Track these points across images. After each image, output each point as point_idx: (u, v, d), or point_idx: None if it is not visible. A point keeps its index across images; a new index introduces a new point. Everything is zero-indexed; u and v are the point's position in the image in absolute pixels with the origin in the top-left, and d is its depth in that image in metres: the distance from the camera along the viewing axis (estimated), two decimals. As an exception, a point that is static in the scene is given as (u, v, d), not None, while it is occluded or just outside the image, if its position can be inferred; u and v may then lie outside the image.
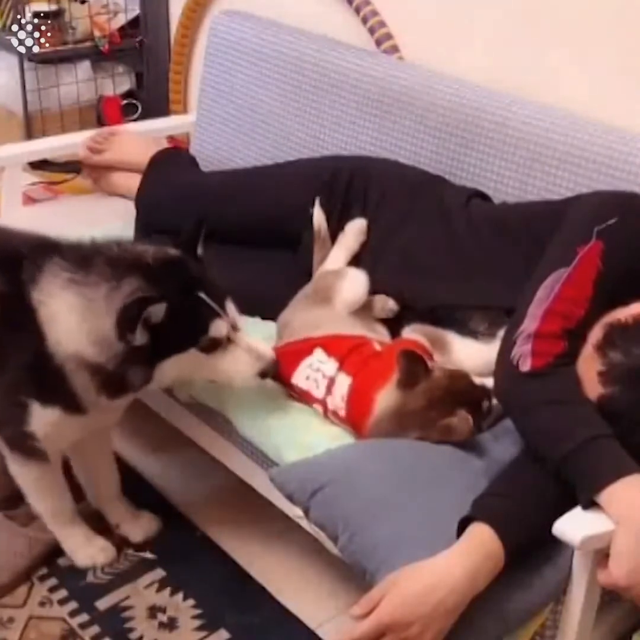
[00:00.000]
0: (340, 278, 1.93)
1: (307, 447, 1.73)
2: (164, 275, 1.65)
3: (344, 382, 1.74)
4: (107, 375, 1.67)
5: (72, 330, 1.66)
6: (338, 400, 1.74)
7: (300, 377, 1.81)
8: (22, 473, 1.90)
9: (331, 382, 1.76)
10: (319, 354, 1.80)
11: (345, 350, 1.78)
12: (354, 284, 1.91)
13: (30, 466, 1.88)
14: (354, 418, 1.72)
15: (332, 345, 1.81)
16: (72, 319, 1.66)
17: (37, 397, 1.75)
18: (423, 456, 1.62)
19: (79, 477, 2.09)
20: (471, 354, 1.79)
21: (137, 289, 1.62)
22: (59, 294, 1.68)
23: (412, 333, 1.84)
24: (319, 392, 1.77)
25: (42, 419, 1.77)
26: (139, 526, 2.10)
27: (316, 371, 1.79)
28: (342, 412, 1.74)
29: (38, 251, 1.74)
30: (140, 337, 1.59)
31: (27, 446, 1.83)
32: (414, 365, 1.65)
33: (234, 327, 1.71)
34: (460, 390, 1.64)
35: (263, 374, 1.73)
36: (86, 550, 2.02)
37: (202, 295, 1.66)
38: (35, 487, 1.93)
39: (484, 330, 1.82)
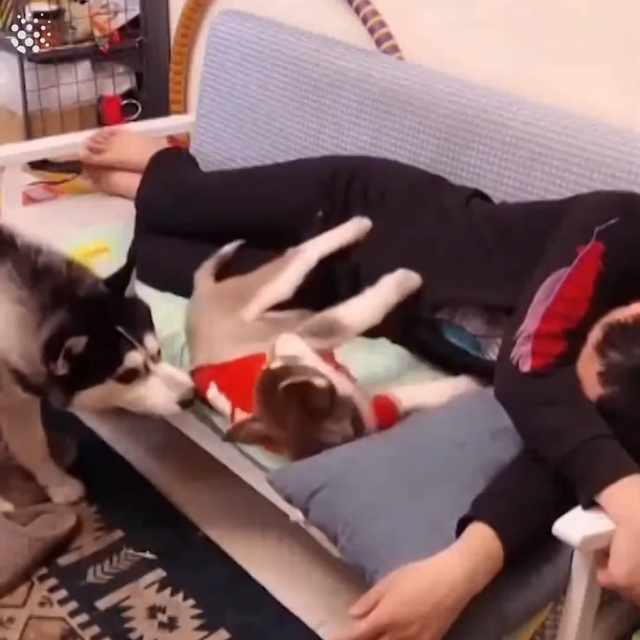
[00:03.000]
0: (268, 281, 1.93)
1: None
2: (89, 310, 1.75)
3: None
4: (30, 383, 1.79)
5: (6, 337, 1.76)
6: None
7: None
8: None
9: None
10: (213, 390, 1.82)
11: (236, 388, 1.79)
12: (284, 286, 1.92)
13: None
14: None
15: (223, 379, 1.82)
16: (8, 328, 1.76)
17: None
18: (423, 456, 1.62)
19: (8, 441, 2.20)
20: (356, 315, 1.82)
21: (63, 322, 1.72)
22: (2, 300, 1.76)
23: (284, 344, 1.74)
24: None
25: None
26: (63, 490, 2.19)
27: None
28: None
29: None
30: (61, 368, 1.70)
31: None
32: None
33: (153, 359, 1.80)
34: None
35: (183, 403, 1.82)
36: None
37: (120, 329, 1.75)
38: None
39: (484, 332, 1.82)
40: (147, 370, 1.79)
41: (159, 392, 1.80)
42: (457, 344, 1.86)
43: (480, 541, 1.40)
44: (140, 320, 1.81)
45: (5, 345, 1.76)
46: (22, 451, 2.20)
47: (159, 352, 1.82)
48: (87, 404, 1.82)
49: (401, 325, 1.93)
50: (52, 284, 1.77)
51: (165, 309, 2.08)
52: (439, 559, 1.40)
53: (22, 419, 2.15)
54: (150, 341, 1.80)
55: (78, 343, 1.68)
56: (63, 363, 1.69)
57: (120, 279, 1.82)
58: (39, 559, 2.02)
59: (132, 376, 1.78)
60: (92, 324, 1.72)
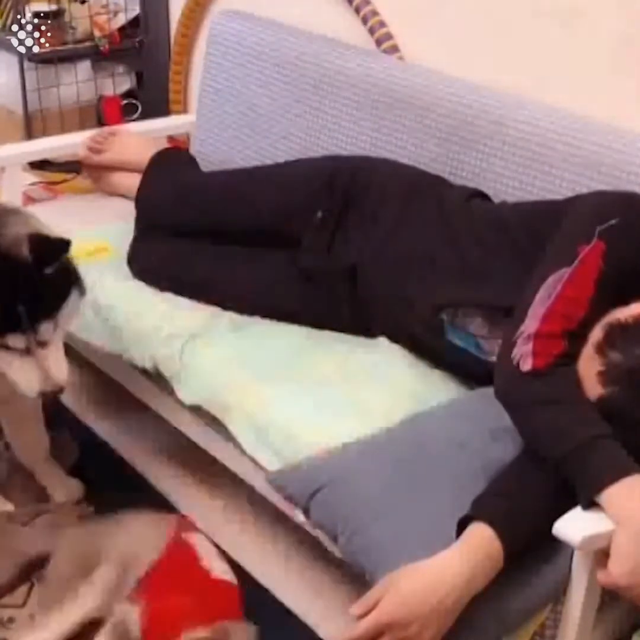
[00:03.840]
0: None
1: (300, 453, 1.73)
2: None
3: None
4: None
5: None
6: None
7: None
8: None
9: None
10: None
11: None
12: None
13: None
14: None
15: None
16: None
17: None
18: (422, 456, 1.62)
19: (10, 439, 2.18)
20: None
21: None
22: None
23: None
24: None
25: None
26: (64, 489, 2.18)
27: None
28: None
29: None
30: None
31: None
32: None
33: (41, 344, 1.74)
34: None
35: (43, 394, 1.77)
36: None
37: (20, 308, 1.68)
38: None
39: (486, 332, 1.82)
40: (27, 351, 1.73)
41: (28, 377, 1.76)
42: (458, 345, 1.86)
43: (480, 541, 1.41)
44: (48, 302, 1.74)
45: None
46: (23, 450, 2.20)
47: (48, 342, 1.76)
48: None
49: (402, 326, 1.93)
50: None
51: (165, 309, 2.09)
52: (439, 559, 1.40)
53: (23, 418, 2.14)
54: (46, 329, 1.73)
55: None
56: None
57: (48, 255, 1.74)
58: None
59: (8, 349, 1.73)
60: None
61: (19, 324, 1.69)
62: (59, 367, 1.78)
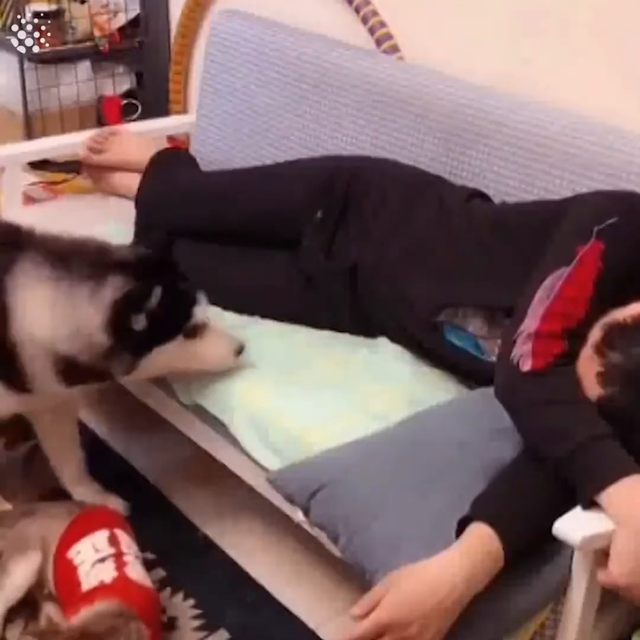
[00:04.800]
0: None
1: (302, 453, 1.73)
2: (147, 270, 1.75)
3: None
4: (71, 366, 1.74)
5: (42, 321, 1.72)
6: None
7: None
8: None
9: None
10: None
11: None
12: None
13: None
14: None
15: None
16: (53, 313, 1.71)
17: None
18: (422, 456, 1.62)
19: (50, 459, 2.14)
20: None
21: (124, 284, 1.70)
22: (32, 285, 1.73)
23: None
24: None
25: None
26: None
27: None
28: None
29: (13, 240, 1.81)
30: (139, 324, 1.70)
31: None
32: None
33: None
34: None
35: (237, 352, 1.86)
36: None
37: (183, 286, 1.79)
38: None
39: (485, 333, 1.82)
40: (204, 326, 1.82)
41: (220, 346, 1.85)
42: (457, 345, 1.86)
43: (480, 541, 1.41)
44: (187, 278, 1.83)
45: (49, 333, 1.71)
46: (62, 468, 2.14)
47: None
48: (149, 369, 1.81)
49: (402, 326, 1.93)
50: (88, 257, 1.75)
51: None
52: (439, 559, 1.40)
53: (59, 434, 2.11)
54: (202, 298, 1.82)
55: (155, 295, 1.68)
56: (141, 318, 1.68)
57: (165, 242, 1.84)
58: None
59: (195, 332, 1.80)
60: (158, 280, 1.72)
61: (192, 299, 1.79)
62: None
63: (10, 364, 1.75)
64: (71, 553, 1.81)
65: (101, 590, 1.74)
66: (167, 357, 1.79)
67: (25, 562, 1.84)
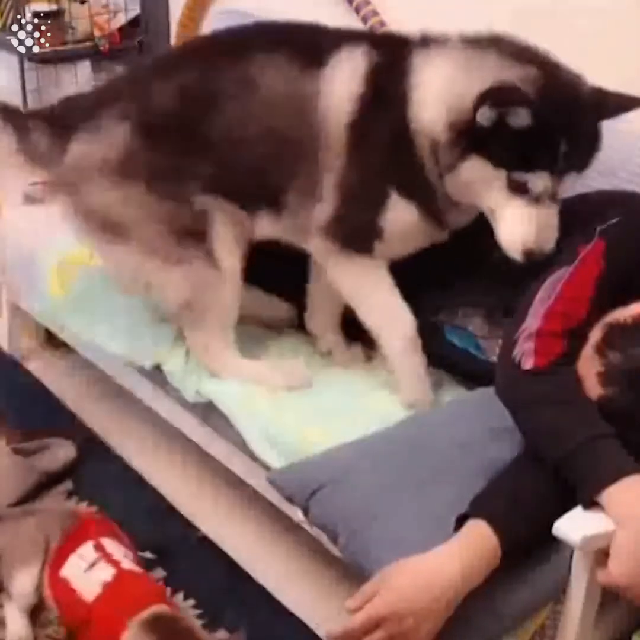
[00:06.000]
0: None
1: (303, 452, 1.74)
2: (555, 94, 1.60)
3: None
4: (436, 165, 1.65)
5: (432, 99, 1.65)
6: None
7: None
8: (346, 272, 1.83)
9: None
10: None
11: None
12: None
13: (359, 264, 1.81)
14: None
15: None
16: (435, 86, 1.66)
17: (398, 187, 1.70)
18: (422, 456, 1.62)
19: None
20: None
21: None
22: (434, 60, 1.70)
23: None
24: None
25: (398, 213, 1.71)
26: (348, 354, 2.01)
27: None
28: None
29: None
30: (485, 119, 1.56)
31: (365, 241, 1.77)
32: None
33: (554, 198, 1.63)
34: None
35: (527, 254, 1.64)
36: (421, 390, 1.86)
37: (562, 148, 1.57)
38: (357, 291, 1.84)
39: (485, 332, 1.82)
40: (537, 200, 1.62)
41: (521, 225, 1.63)
42: (457, 345, 1.86)
43: (477, 538, 1.41)
44: (585, 154, 1.65)
45: (431, 116, 1.64)
46: (316, 312, 2.02)
47: None
48: (457, 181, 1.65)
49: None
50: (503, 47, 1.70)
51: (164, 309, 2.08)
52: (435, 554, 1.40)
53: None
54: (570, 180, 1.64)
55: (520, 114, 1.53)
56: (489, 116, 1.55)
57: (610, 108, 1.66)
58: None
59: (520, 190, 1.60)
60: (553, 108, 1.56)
61: (554, 164, 1.58)
62: (553, 230, 1.63)
63: (419, 178, 1.68)
64: (62, 572, 1.82)
65: (109, 590, 1.75)
66: (477, 182, 1.63)
67: (28, 572, 1.84)
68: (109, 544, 1.85)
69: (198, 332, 1.94)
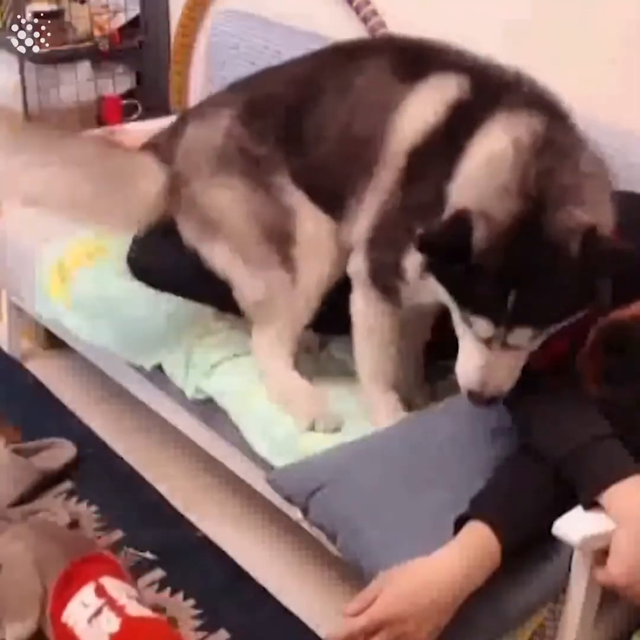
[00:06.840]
0: None
1: (303, 451, 1.74)
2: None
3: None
4: None
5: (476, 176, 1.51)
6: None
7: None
8: (366, 312, 1.79)
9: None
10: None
11: None
12: None
13: (378, 306, 1.77)
14: None
15: None
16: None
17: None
18: (421, 456, 1.62)
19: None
20: None
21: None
22: (494, 134, 1.53)
23: None
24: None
25: (420, 259, 1.54)
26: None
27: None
28: None
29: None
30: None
31: (388, 281, 1.71)
32: None
33: (507, 347, 1.46)
34: None
35: (473, 395, 1.52)
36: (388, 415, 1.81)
37: (511, 296, 1.41)
38: (369, 334, 1.80)
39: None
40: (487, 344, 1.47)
41: (470, 364, 1.50)
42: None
43: (477, 539, 1.41)
44: (549, 307, 1.46)
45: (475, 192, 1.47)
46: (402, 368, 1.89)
47: None
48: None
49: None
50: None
51: (165, 309, 2.09)
52: (435, 557, 1.40)
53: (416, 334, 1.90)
54: (520, 333, 1.46)
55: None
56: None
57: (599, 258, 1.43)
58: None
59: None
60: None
61: (498, 311, 1.42)
62: (506, 375, 1.49)
63: None
64: (64, 617, 1.76)
65: None
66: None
67: (22, 626, 1.79)
68: (110, 585, 1.78)
69: (265, 331, 1.92)
